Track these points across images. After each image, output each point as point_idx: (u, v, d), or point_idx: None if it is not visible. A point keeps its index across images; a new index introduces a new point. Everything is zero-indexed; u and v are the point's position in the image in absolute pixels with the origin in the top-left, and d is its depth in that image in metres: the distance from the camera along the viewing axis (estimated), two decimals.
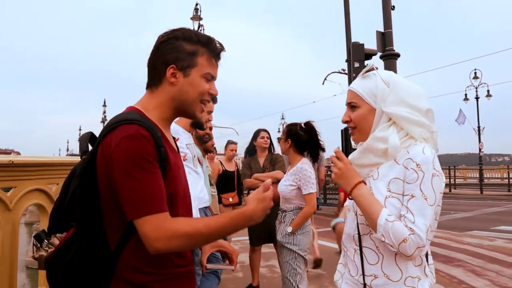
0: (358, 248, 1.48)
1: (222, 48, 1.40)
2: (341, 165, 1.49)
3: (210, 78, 1.37)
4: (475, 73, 25.18)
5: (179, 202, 1.31)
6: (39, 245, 1.30)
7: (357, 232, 1.49)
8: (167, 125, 1.40)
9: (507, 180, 23.65)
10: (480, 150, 24.53)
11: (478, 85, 25.17)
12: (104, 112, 32.91)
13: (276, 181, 4.58)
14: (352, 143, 1.63)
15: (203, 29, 15.28)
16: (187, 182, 1.43)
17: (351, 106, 1.53)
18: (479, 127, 24.83)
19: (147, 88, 1.38)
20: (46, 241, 1.30)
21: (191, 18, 15.22)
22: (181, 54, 1.32)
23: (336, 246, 7.31)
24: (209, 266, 1.59)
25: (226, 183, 5.91)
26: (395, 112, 1.44)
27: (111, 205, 1.22)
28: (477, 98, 24.99)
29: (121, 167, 1.16)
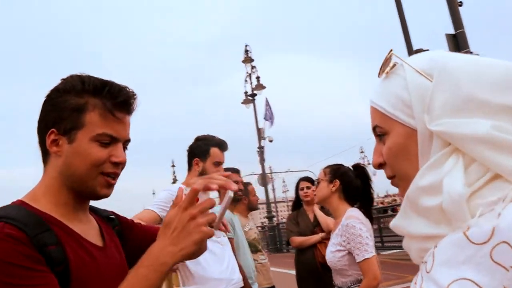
0: None
1: (128, 96, 1.01)
2: None
3: (109, 141, 0.99)
4: None
5: None
6: None
7: None
8: (73, 210, 1.01)
9: None
10: None
11: None
12: (174, 172, 34.96)
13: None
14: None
15: (256, 71, 14.91)
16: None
17: (378, 134, 0.82)
18: None
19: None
20: None
21: (243, 61, 14.87)
22: (63, 113, 0.97)
23: None
24: None
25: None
26: (453, 129, 0.67)
27: None
28: None
29: None
